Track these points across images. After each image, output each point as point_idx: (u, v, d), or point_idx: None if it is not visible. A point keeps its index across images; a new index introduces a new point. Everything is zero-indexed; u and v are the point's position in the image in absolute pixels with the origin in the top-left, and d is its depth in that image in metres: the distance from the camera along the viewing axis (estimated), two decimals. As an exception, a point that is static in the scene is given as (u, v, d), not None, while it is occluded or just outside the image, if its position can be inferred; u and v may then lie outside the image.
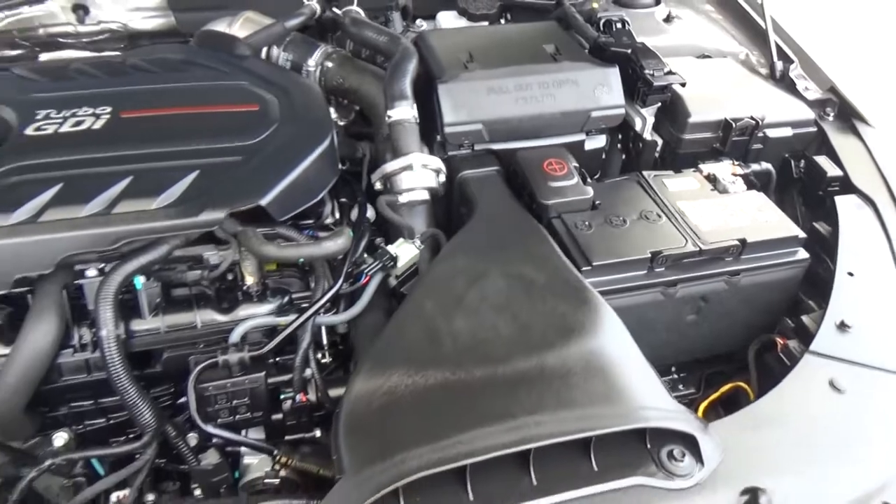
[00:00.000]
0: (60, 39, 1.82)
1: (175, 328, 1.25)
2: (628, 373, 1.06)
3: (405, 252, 1.36)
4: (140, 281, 1.22)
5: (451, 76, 1.50)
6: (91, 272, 1.23)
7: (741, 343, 1.44)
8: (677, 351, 1.45)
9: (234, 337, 1.24)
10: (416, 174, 1.36)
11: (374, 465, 0.90)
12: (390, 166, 1.38)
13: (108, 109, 1.34)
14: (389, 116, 1.41)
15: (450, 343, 1.06)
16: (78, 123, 1.30)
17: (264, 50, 1.65)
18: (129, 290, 1.23)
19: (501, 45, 1.67)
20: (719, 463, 0.99)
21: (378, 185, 1.44)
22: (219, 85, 1.45)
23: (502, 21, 2.01)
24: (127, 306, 1.25)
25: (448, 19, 1.90)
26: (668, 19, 1.97)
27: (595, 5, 1.96)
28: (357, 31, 1.60)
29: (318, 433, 1.30)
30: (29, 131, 1.28)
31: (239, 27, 1.66)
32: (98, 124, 1.30)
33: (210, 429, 1.18)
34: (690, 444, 0.99)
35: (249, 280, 1.30)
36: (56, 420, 1.27)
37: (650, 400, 1.02)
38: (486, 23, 1.90)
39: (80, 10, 1.75)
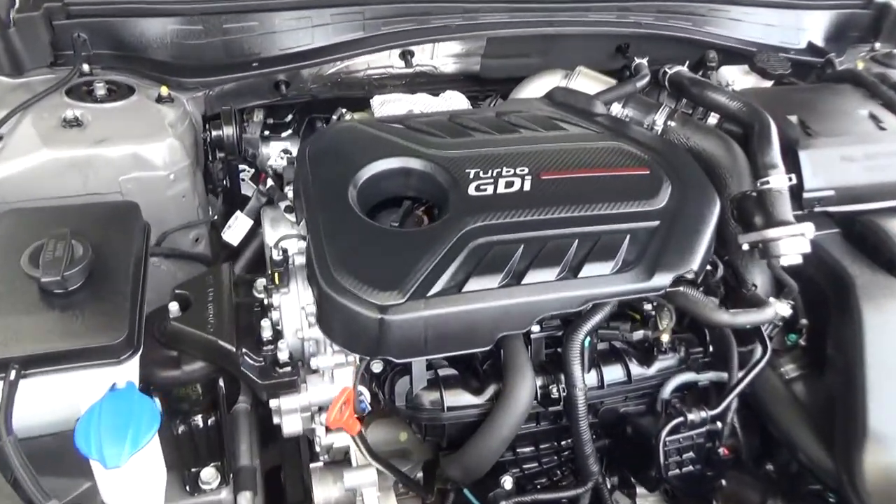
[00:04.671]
0: (375, 80, 1.91)
1: (612, 382, 1.35)
2: None
3: (783, 311, 1.45)
4: (587, 339, 1.32)
5: (804, 143, 1.59)
6: (535, 328, 1.32)
7: None
8: None
9: (666, 393, 1.34)
10: (803, 242, 1.44)
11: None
12: (774, 232, 1.44)
13: (526, 170, 1.42)
14: (767, 182, 1.48)
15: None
16: (509, 185, 1.38)
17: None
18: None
19: (820, 109, 1.75)
20: None
21: (746, 247, 1.52)
22: (602, 146, 1.52)
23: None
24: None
25: (734, 73, 1.98)
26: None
27: (860, 64, 2.06)
28: (699, 91, 1.68)
29: (723, 482, 1.40)
30: (471, 191, 1.36)
31: (576, 81, 1.74)
32: (526, 185, 1.39)
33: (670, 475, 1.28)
34: None
35: (665, 337, 1.39)
36: (499, 464, 1.35)
37: None
38: (772, 82, 1.98)
39: (409, 55, 1.83)
